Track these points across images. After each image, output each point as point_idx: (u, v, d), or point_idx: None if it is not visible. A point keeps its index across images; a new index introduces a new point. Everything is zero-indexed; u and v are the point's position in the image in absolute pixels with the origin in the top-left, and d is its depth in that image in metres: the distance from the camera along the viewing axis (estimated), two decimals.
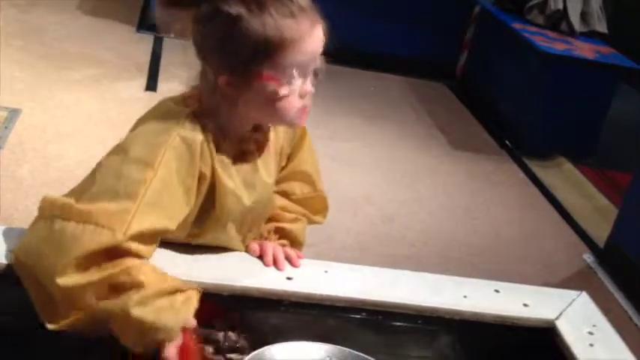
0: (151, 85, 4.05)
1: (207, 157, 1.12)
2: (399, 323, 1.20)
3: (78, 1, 5.09)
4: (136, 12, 5.02)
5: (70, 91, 3.78)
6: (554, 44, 4.28)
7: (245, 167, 1.20)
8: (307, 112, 1.17)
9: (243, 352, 1.04)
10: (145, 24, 4.86)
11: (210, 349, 1.04)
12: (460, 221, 3.44)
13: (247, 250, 1.26)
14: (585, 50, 4.30)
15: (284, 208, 1.36)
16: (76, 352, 1.06)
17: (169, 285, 1.02)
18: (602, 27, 4.60)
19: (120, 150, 1.08)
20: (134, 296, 0.97)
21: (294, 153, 1.36)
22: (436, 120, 4.61)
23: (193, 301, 1.02)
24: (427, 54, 5.17)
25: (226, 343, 1.04)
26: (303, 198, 1.38)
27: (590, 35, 4.56)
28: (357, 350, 1.08)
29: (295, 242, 1.34)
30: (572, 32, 4.51)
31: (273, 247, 1.25)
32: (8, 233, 1.12)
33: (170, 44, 4.66)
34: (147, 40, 4.70)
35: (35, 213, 1.06)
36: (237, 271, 1.19)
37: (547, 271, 3.17)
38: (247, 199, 1.20)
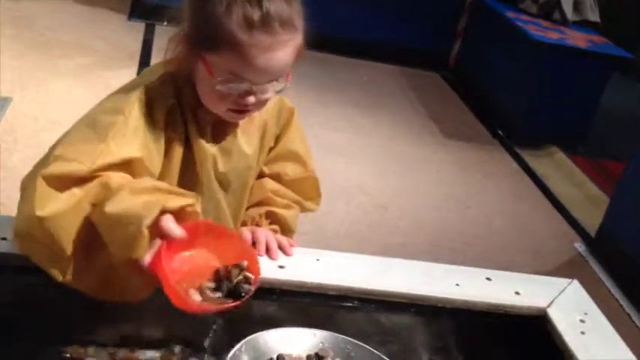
0: None
1: (177, 120, 1.12)
2: (390, 311, 1.20)
3: None
4: (127, 0, 4.98)
5: (61, 79, 3.76)
6: (547, 33, 4.28)
7: (223, 133, 1.19)
8: (243, 116, 1.15)
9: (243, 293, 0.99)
10: (136, 12, 4.83)
11: (211, 285, 0.99)
12: (453, 210, 3.45)
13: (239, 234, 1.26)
14: (578, 39, 4.31)
15: (276, 192, 1.34)
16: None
17: (147, 185, 0.98)
18: (594, 16, 4.60)
19: (97, 105, 1.10)
20: (108, 199, 0.94)
21: (282, 133, 1.35)
22: (429, 109, 4.61)
23: (176, 201, 0.95)
24: (420, 43, 5.17)
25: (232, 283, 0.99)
26: (296, 179, 1.37)
27: (583, 24, 4.57)
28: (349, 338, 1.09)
29: (286, 229, 1.33)
30: (564, 21, 4.51)
31: (265, 235, 1.24)
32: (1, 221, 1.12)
33: (162, 32, 4.64)
34: (138, 29, 4.68)
35: None
36: None
37: (539, 259, 3.18)
38: (222, 166, 1.20)
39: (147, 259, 0.92)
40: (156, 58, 4.20)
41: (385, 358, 1.05)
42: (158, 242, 0.93)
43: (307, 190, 1.40)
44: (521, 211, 3.61)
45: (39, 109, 3.38)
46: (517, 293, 1.25)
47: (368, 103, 4.45)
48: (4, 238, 1.06)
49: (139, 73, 3.99)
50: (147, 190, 0.96)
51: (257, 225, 1.30)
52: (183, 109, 1.13)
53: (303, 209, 1.39)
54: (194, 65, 1.10)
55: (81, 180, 0.97)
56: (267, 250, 1.22)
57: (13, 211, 1.05)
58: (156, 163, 1.10)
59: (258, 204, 1.33)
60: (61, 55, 4.04)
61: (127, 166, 1.03)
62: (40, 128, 3.19)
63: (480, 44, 4.95)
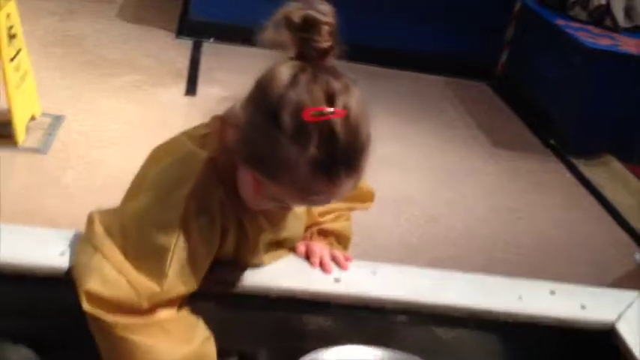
0: (191, 89, 4.06)
1: (227, 212, 1.05)
2: (451, 326, 1.16)
3: (117, 8, 5.14)
4: (174, 18, 5.05)
5: (111, 97, 3.81)
6: (598, 40, 4.18)
7: (273, 212, 1.12)
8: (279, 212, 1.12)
9: None
10: (184, 30, 4.89)
11: None
12: (505, 221, 3.38)
13: (294, 251, 1.23)
14: (630, 45, 4.20)
15: (322, 214, 1.28)
16: None
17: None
18: None
19: (140, 198, 1.04)
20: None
21: None
22: (478, 120, 4.54)
23: None
24: (467, 53, 5.10)
25: None
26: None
27: (635, 30, 4.46)
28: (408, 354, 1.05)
29: (341, 237, 1.29)
30: (616, 27, 4.41)
31: (320, 248, 1.21)
32: (57, 236, 1.11)
33: (209, 49, 4.68)
34: (186, 46, 4.73)
35: (81, 220, 1.04)
36: (284, 272, 1.17)
37: (597, 271, 3.08)
38: (279, 236, 1.16)
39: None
40: (203, 76, 4.23)
41: None
42: None
43: (359, 197, 1.35)
44: (576, 221, 3.51)
45: (90, 126, 3.42)
46: (583, 307, 1.19)
47: (414, 115, 4.40)
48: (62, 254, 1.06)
49: (187, 89, 4.05)
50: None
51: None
52: (229, 198, 1.06)
53: (356, 209, 1.34)
54: (231, 150, 1.01)
55: (130, 310, 0.98)
56: (321, 264, 1.19)
57: (68, 228, 1.05)
58: (209, 262, 1.07)
59: (310, 225, 1.29)
60: (110, 73, 4.10)
61: (179, 300, 1.03)
62: (91, 145, 3.23)
63: (529, 52, 4.86)
